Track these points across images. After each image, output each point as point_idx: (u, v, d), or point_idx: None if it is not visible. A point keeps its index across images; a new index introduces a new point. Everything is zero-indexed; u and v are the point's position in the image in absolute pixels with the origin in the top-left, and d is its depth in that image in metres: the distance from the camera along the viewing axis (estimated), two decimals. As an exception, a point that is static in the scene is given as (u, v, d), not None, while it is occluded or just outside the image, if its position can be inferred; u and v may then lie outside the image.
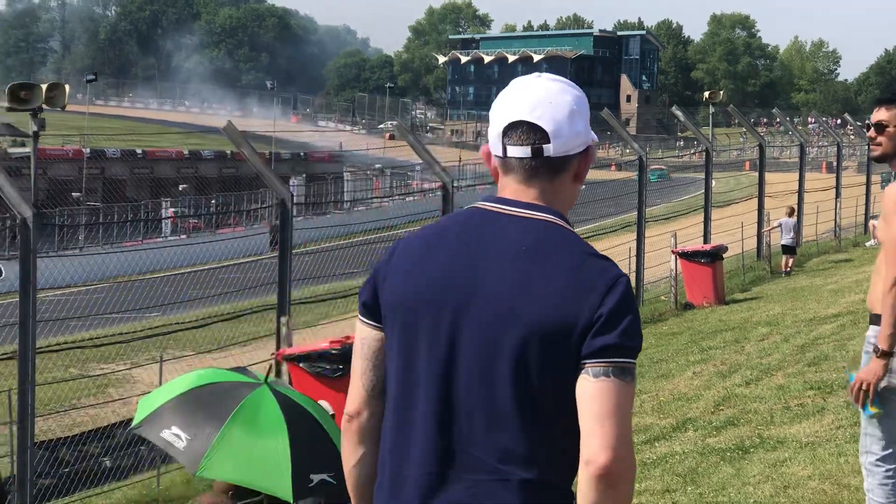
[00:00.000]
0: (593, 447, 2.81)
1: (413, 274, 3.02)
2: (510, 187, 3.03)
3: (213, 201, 60.76)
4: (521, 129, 2.97)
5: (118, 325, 24.77)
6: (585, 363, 2.86)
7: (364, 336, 3.14)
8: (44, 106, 15.84)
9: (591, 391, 2.85)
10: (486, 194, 3.26)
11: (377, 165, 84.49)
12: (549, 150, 2.97)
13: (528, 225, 2.96)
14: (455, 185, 17.64)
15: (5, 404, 12.01)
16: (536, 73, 3.07)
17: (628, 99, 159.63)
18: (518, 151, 2.99)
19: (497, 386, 2.92)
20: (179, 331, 17.35)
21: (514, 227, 2.97)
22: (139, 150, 75.00)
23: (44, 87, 16.07)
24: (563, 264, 2.91)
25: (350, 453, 3.22)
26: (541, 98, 2.98)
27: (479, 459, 2.94)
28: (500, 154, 3.02)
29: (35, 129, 16.07)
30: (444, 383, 2.97)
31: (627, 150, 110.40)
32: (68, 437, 16.47)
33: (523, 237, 2.95)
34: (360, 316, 3.16)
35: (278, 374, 12.17)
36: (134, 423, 6.52)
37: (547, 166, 3.00)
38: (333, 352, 13.60)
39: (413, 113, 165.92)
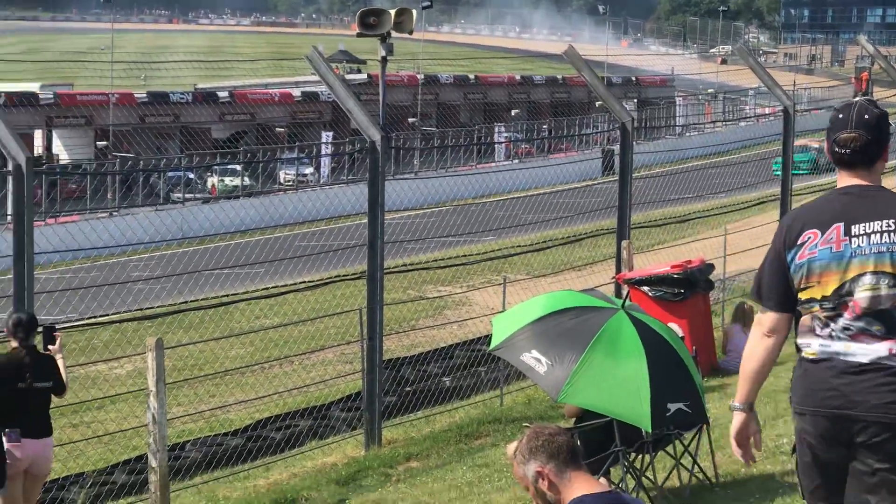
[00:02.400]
0: None
1: None
2: None
3: (544, 126, 60.99)
4: None
5: (453, 248, 25.16)
6: None
7: None
8: (392, 32, 16.07)
9: None
10: None
11: (709, 90, 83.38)
12: None
13: None
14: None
15: (356, 323, 12.31)
16: None
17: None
18: None
19: None
20: (518, 254, 17.48)
21: None
22: (471, 76, 75.70)
23: (392, 12, 16.23)
24: None
25: None
26: None
27: None
28: None
29: (384, 53, 16.32)
30: None
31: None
32: (410, 356, 16.84)
33: None
34: None
35: (617, 296, 12.07)
36: (492, 344, 6.55)
37: None
38: (675, 276, 13.44)
39: (745, 37, 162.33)
